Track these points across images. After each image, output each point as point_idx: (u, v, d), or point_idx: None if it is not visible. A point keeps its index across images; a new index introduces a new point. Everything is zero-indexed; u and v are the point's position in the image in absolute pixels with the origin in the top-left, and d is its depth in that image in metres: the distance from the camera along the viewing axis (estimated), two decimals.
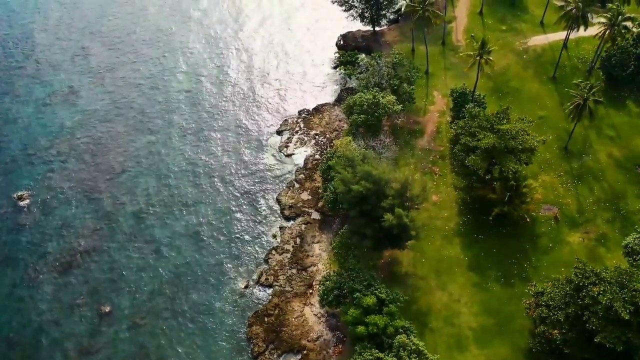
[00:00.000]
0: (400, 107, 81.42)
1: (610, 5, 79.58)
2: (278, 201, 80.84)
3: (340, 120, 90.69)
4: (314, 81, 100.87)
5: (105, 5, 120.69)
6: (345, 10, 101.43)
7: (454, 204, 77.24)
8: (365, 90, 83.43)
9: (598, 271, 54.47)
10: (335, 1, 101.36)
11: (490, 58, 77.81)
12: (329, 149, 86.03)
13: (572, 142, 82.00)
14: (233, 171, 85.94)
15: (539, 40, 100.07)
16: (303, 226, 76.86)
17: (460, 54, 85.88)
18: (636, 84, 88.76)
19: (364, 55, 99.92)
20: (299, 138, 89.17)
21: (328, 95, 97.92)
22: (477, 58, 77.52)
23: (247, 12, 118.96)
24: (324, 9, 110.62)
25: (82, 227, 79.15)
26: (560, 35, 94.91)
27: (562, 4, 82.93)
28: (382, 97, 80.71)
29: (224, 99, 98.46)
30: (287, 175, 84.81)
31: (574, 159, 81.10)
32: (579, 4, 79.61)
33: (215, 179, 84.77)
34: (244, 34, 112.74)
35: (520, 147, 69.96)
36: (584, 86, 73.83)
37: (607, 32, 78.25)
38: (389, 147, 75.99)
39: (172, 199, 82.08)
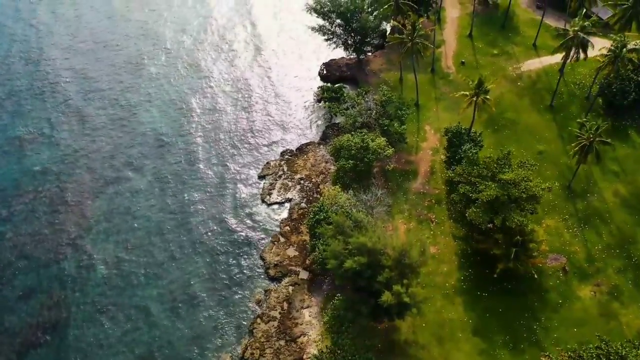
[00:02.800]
0: (391, 150, 75.01)
1: (613, 36, 73.99)
2: (262, 258, 73.54)
3: (326, 162, 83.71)
4: (297, 117, 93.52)
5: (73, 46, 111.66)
6: (326, 40, 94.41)
7: (454, 256, 71.16)
8: (353, 132, 76.83)
9: (624, 353, 48.78)
10: (317, 30, 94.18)
11: (488, 97, 71.72)
12: (315, 195, 79.38)
13: (576, 179, 76.53)
14: (210, 225, 78.03)
15: (532, 64, 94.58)
16: (290, 288, 69.80)
17: (456, 94, 79.63)
18: (638, 113, 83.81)
19: (349, 88, 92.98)
20: (282, 183, 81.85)
21: (312, 132, 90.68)
22: (474, 98, 71.38)
23: (224, 42, 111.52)
24: (305, 35, 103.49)
25: (45, 297, 70.84)
26: (555, 58, 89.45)
27: (561, 31, 77.27)
28: (372, 140, 74.27)
29: (199, 141, 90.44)
30: (271, 228, 77.39)
31: (578, 199, 75.61)
32: (579, 32, 74.07)
33: (193, 235, 76.90)
34: (220, 65, 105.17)
35: (524, 195, 64.35)
36: (590, 127, 68.23)
37: (609, 64, 72.78)
38: (382, 201, 69.27)
39: (142, 262, 73.91)
